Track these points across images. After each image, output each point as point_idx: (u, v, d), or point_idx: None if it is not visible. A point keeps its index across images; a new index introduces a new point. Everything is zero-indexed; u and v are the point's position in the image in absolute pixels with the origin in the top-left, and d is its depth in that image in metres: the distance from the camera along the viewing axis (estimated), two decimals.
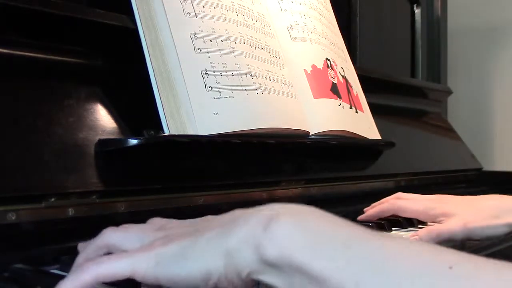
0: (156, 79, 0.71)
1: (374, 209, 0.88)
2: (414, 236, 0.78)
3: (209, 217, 0.50)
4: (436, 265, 0.37)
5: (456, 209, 0.82)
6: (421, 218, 0.86)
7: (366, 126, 1.03)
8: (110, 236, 0.52)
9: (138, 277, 0.45)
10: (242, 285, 0.43)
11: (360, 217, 0.88)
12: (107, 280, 0.46)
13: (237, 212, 0.46)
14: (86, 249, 0.52)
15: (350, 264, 0.38)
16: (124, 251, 0.49)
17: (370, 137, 1.03)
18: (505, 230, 0.79)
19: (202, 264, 0.43)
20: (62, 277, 0.56)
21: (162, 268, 0.44)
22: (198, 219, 0.50)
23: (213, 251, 0.43)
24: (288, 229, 0.41)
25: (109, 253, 0.51)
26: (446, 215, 0.81)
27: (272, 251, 0.40)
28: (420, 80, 1.56)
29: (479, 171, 1.49)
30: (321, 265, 0.38)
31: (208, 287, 0.43)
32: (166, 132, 0.70)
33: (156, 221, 0.54)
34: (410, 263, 0.38)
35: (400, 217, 0.87)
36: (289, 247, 0.40)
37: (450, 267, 0.36)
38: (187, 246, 0.45)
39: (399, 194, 0.90)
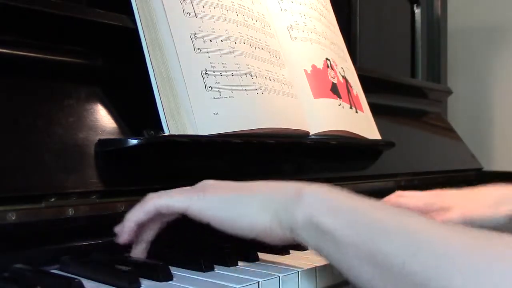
0: (156, 79, 0.71)
1: None
2: None
3: (250, 182, 0.60)
4: (420, 226, 0.48)
5: (456, 201, 0.82)
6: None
7: (366, 126, 1.03)
8: (157, 200, 0.60)
9: (190, 214, 0.57)
10: (280, 239, 0.56)
11: None
12: (164, 211, 0.58)
13: (281, 182, 0.58)
14: (134, 212, 0.61)
15: (356, 222, 0.50)
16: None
17: (370, 137, 1.03)
18: (504, 219, 0.79)
19: (251, 215, 0.56)
20: (62, 277, 0.56)
21: (213, 208, 0.56)
22: (241, 183, 0.61)
23: (261, 208, 0.56)
24: (314, 198, 0.53)
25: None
26: (446, 209, 0.81)
27: (301, 215, 0.53)
28: (420, 80, 1.56)
29: (479, 171, 1.49)
30: (333, 223, 0.51)
31: (251, 234, 0.56)
32: (166, 132, 0.70)
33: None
34: (387, 220, 0.49)
35: None
36: (313, 211, 0.52)
37: (433, 229, 0.47)
38: (240, 196, 0.57)
39: (399, 192, 0.90)
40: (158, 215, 0.60)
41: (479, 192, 0.84)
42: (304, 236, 0.54)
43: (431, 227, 0.48)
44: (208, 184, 0.60)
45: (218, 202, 0.57)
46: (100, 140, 0.67)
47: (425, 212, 0.84)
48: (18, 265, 0.58)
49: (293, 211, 0.54)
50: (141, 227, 0.61)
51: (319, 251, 0.53)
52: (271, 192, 0.57)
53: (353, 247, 0.49)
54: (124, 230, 0.61)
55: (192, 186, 0.61)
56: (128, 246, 0.69)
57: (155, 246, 0.65)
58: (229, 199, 0.57)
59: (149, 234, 0.62)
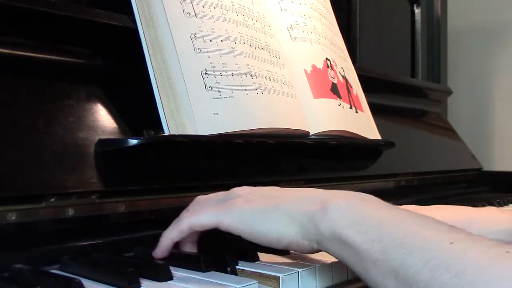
0: (156, 79, 0.71)
1: None
2: None
3: (282, 189, 0.63)
4: (438, 240, 0.47)
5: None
6: None
7: (366, 126, 1.03)
8: (191, 219, 0.62)
9: (222, 227, 0.59)
10: (308, 250, 0.57)
11: None
12: (198, 228, 0.61)
13: (310, 191, 0.61)
14: (170, 231, 0.63)
15: (380, 238, 0.50)
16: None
17: (370, 137, 1.03)
18: None
19: (278, 228, 0.57)
20: (62, 277, 0.56)
21: (243, 222, 0.58)
22: (270, 189, 0.63)
23: (289, 221, 0.57)
24: (339, 211, 0.54)
25: None
26: None
27: (326, 227, 0.54)
28: (420, 80, 1.56)
29: (479, 171, 1.49)
30: (357, 238, 0.51)
31: (280, 246, 0.58)
32: (166, 132, 0.70)
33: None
34: (423, 238, 0.48)
35: None
36: (337, 224, 0.53)
37: (451, 243, 0.46)
38: (268, 209, 0.58)
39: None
40: (192, 231, 0.62)
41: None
42: (330, 248, 0.55)
43: (449, 237, 0.48)
44: (237, 193, 0.62)
45: (246, 216, 0.58)
46: (100, 140, 0.67)
47: None
48: (18, 265, 0.58)
49: (318, 224, 0.55)
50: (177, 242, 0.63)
51: (345, 263, 0.54)
52: (297, 203, 0.58)
53: (377, 261, 0.50)
54: (162, 249, 0.62)
55: (224, 194, 0.63)
56: (128, 246, 0.69)
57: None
58: (257, 214, 0.58)
59: (189, 247, 0.65)
